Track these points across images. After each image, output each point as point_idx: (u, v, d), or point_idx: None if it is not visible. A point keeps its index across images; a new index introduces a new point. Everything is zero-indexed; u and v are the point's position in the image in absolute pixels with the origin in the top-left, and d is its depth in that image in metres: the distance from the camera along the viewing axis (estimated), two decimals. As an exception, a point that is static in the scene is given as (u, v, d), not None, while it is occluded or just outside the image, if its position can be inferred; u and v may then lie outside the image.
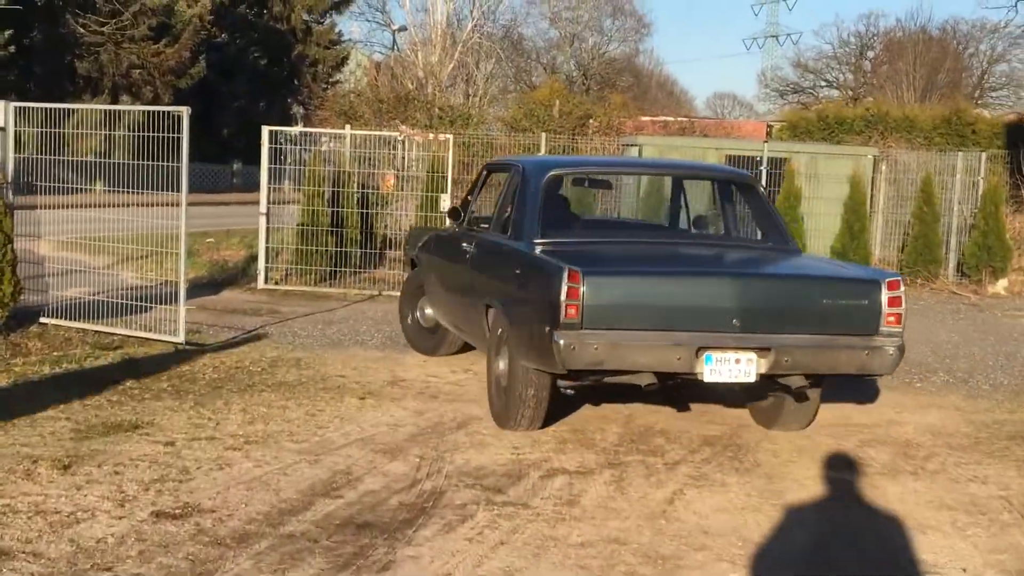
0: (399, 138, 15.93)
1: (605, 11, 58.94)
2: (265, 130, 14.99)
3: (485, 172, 10.24)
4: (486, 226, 9.22)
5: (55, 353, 9.57)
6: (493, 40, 47.28)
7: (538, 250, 7.78)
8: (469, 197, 9.92)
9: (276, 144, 15.23)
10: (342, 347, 10.81)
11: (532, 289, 7.40)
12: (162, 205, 10.69)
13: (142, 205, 10.80)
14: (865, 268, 11.19)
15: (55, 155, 11.11)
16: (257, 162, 15.17)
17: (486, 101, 36.00)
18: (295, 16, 48.46)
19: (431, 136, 16.09)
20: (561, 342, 6.76)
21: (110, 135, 11.82)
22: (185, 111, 9.94)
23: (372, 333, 11.70)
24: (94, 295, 11.03)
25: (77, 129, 12.59)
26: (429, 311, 10.32)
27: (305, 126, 46.65)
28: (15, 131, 10.94)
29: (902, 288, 7.32)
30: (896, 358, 7.19)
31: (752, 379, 7.03)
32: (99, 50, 37.31)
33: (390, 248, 16.14)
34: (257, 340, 10.89)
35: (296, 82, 49.50)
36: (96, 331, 10.53)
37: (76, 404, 7.80)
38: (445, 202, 14.84)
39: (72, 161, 11.32)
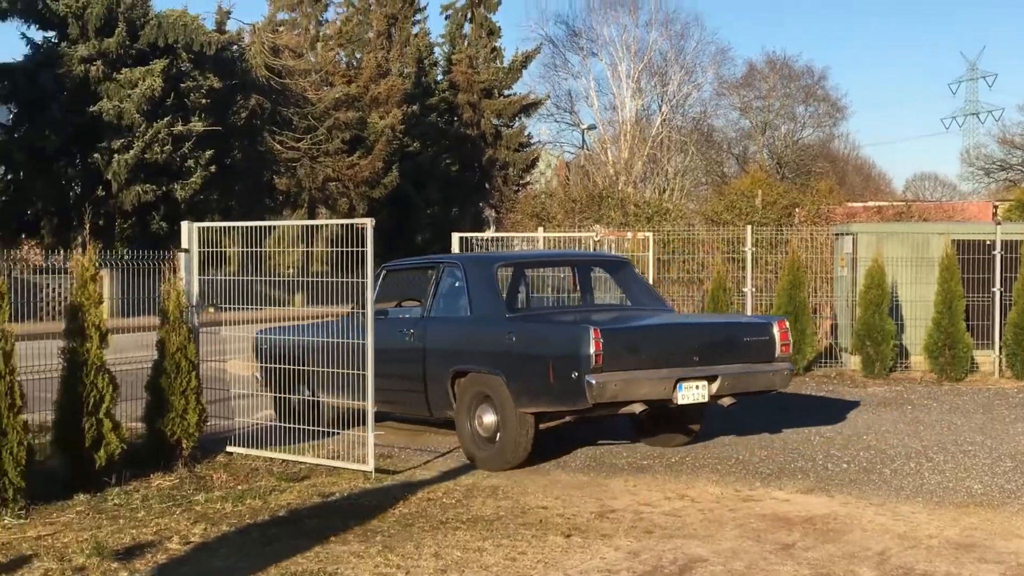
0: (595, 238, 15.12)
1: (797, 98, 57.58)
2: (455, 237, 14.44)
3: (384, 272, 11.25)
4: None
5: (239, 487, 8.96)
6: (683, 133, 46.55)
7: (523, 320, 10.19)
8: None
9: (468, 250, 14.64)
10: (543, 471, 9.89)
11: (552, 346, 9.43)
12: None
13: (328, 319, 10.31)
14: (762, 315, 13.61)
15: (245, 275, 10.73)
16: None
17: (680, 195, 35.09)
18: (485, 122, 48.80)
19: (629, 235, 15.23)
20: (593, 382, 8.95)
21: (307, 251, 11.55)
22: (369, 223, 9.33)
23: (574, 453, 10.75)
24: (279, 421, 10.48)
25: (275, 247, 12.28)
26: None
27: (497, 229, 46.74)
28: (203, 252, 10.58)
29: (787, 326, 10.29)
30: (788, 377, 10.25)
31: (705, 399, 9.65)
32: (296, 165, 38.11)
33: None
34: (451, 464, 10.09)
35: (487, 186, 49.70)
36: (283, 459, 9.94)
37: (256, 550, 7.10)
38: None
39: (250, 280, 10.86)
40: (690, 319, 11.68)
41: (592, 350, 8.94)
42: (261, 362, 11.36)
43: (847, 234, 17.23)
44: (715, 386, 9.60)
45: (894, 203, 31.93)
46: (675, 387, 9.36)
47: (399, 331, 10.78)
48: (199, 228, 10.56)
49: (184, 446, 9.56)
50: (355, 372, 9.50)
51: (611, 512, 8.32)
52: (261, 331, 11.68)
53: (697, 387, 9.51)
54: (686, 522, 8.00)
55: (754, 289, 16.88)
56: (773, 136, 56.52)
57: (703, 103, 53.19)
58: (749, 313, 16.53)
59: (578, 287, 12.24)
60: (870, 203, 32.25)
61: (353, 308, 10.20)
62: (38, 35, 32.45)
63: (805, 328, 16.16)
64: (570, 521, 8.01)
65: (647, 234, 14.69)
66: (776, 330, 10.11)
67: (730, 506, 8.49)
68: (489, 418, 9.87)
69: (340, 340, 9.70)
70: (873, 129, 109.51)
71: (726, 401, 9.94)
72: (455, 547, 7.23)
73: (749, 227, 17.07)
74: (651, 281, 14.39)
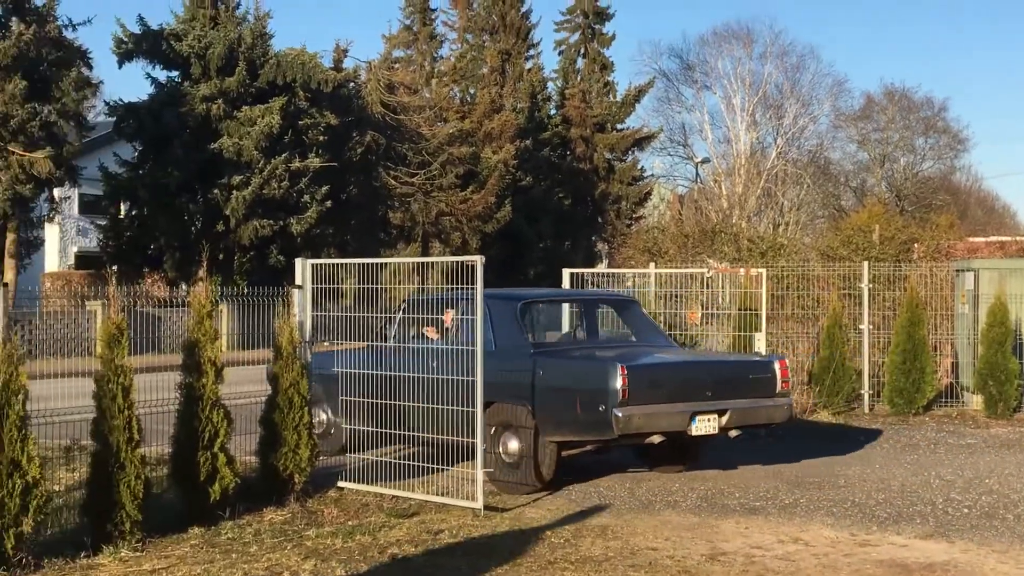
0: (707, 275, 14.96)
1: (917, 129, 56.60)
2: (566, 273, 14.40)
3: (406, 305, 11.63)
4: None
5: (349, 523, 9.03)
6: (799, 166, 45.97)
7: (547, 356, 10.80)
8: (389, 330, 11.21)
9: (578, 286, 14.59)
10: (652, 510, 9.77)
11: (581, 381, 10.14)
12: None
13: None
14: (765, 355, 13.28)
15: (360, 310, 10.81)
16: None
17: (796, 229, 34.59)
18: (598, 156, 48.79)
19: (742, 271, 15.03)
20: (620, 415, 9.64)
21: (421, 287, 11.58)
22: (479, 260, 9.35)
23: (685, 492, 10.60)
24: (390, 456, 10.53)
25: (388, 283, 12.39)
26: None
27: (609, 263, 46.62)
28: (318, 287, 10.70)
29: (787, 364, 11.18)
30: (788, 411, 11.00)
31: (716, 431, 10.36)
32: (410, 200, 38.52)
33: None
34: (560, 502, 10.03)
35: (600, 220, 49.61)
36: (393, 495, 9.98)
37: (363, 587, 7.13)
38: (760, 342, 13.73)
39: (364, 316, 10.94)
40: (704, 357, 12.30)
41: (619, 385, 9.69)
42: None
43: (968, 270, 16.78)
44: (724, 419, 10.37)
45: (1018, 238, 30.98)
46: (691, 420, 10.17)
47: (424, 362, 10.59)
48: (312, 264, 10.70)
49: (296, 481, 9.67)
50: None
51: (722, 555, 8.18)
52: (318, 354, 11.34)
53: (709, 420, 10.28)
54: (800, 567, 7.81)
55: (871, 326, 16.51)
56: (892, 168, 55.60)
57: (819, 135, 52.57)
58: (866, 352, 16.20)
59: (584, 323, 12.83)
60: (992, 238, 31.37)
61: (371, 341, 10.64)
62: (162, 75, 33.43)
63: (925, 366, 15.75)
64: (680, 563, 7.89)
65: (761, 270, 14.47)
66: (777, 368, 10.94)
67: (845, 551, 8.28)
68: (514, 445, 10.45)
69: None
70: (996, 161, 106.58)
71: (732, 433, 10.61)
72: (563, 588, 7.17)
73: (866, 263, 16.72)
74: (764, 318, 14.16)
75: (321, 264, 10.84)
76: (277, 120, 31.21)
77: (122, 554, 7.73)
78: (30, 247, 32.35)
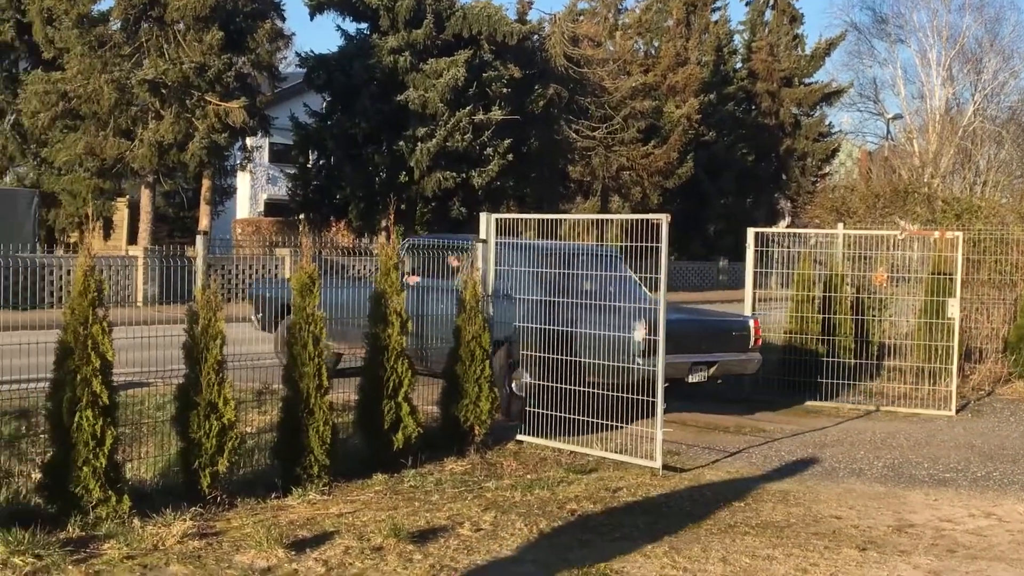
0: (899, 237, 14.45)
1: None
2: (751, 232, 14.10)
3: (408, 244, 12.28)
4: None
5: (528, 476, 9.09)
6: (998, 124, 44.00)
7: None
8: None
9: (761, 247, 14.29)
10: (836, 477, 9.55)
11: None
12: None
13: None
14: (743, 314, 13.72)
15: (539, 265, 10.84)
16: (743, 259, 14.32)
17: (993, 190, 33.14)
18: (784, 111, 47.70)
19: (936, 233, 14.47)
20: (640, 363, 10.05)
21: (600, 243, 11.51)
22: (664, 218, 9.22)
23: (871, 460, 10.33)
24: (566, 413, 10.53)
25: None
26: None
27: (792, 221, 45.61)
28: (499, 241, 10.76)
29: (759, 323, 12.56)
30: (757, 364, 12.37)
31: (705, 380, 11.47)
32: (591, 154, 38.39)
33: (888, 357, 14.66)
34: (740, 465, 9.90)
35: (784, 177, 48.59)
36: (571, 451, 10.01)
37: (543, 542, 7.16)
38: (953, 307, 13.23)
39: (544, 272, 10.96)
40: (701, 316, 13.27)
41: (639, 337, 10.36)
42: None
43: None
44: (712, 370, 11.54)
45: None
46: (689, 370, 11.21)
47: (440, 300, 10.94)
48: (496, 219, 10.75)
49: (476, 432, 9.79)
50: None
51: (909, 527, 7.94)
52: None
53: (701, 370, 11.41)
54: (992, 543, 7.52)
55: (1073, 294, 15.71)
56: (1099, 127, 52.55)
57: (1021, 91, 50.12)
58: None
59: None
60: None
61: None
62: (351, 27, 34.05)
63: None
64: (865, 534, 7.69)
65: (956, 233, 13.89)
66: (751, 326, 12.28)
67: (1042, 529, 7.93)
68: (526, 379, 10.93)
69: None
70: None
71: (718, 381, 11.93)
72: (743, 553, 7.07)
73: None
74: (959, 283, 13.62)
75: (504, 219, 10.90)
76: (462, 73, 31.43)
77: (310, 496, 7.95)
78: (223, 194, 33.58)
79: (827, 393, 13.79)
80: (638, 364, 10.03)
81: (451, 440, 9.72)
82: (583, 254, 12.42)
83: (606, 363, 9.97)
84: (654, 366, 9.42)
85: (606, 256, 12.73)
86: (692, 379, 11.36)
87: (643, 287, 12.13)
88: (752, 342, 12.21)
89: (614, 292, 11.54)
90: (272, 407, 9.75)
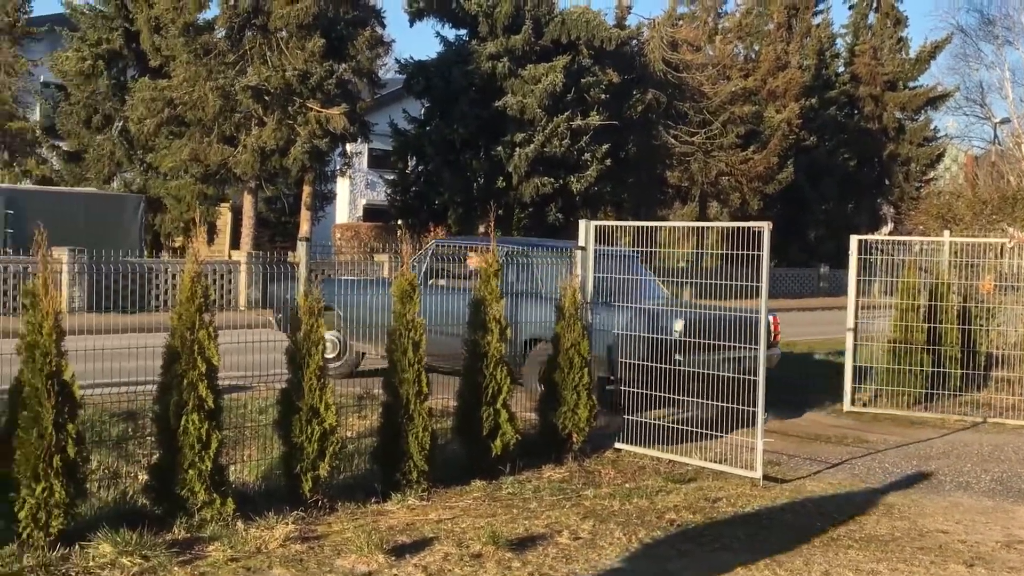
0: (1008, 245, 14.11)
1: None
2: (854, 239, 13.86)
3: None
4: None
5: (627, 485, 9.04)
6: (1111, 128, 42.74)
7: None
8: None
9: (864, 254, 14.04)
10: (942, 491, 9.34)
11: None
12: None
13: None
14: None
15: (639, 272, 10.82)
16: (844, 265, 14.09)
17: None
18: (887, 115, 46.90)
19: (1048, 242, 14.11)
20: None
21: (698, 251, 11.54)
22: (766, 227, 9.13)
23: (978, 473, 10.09)
24: (668, 420, 10.46)
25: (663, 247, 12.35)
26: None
27: (895, 228, 44.82)
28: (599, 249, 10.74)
29: (779, 320, 13.05)
30: (776, 359, 12.72)
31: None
32: (689, 159, 38.17)
33: (996, 367, 14.31)
34: (842, 476, 9.73)
35: (887, 182, 47.77)
36: (670, 459, 9.93)
37: (642, 552, 7.12)
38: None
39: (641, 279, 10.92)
40: (724, 311, 12.55)
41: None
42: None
43: None
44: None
45: None
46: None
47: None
48: (595, 226, 10.73)
49: (574, 440, 9.76)
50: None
51: (1019, 542, 7.73)
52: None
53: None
54: (1107, 563, 7.29)
55: None
56: None
57: None
58: None
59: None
60: None
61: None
62: (451, 33, 34.34)
63: None
64: (973, 549, 7.51)
65: (1069, 241, 13.53)
66: (771, 323, 12.49)
67: None
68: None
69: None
70: None
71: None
72: (847, 567, 6.95)
73: None
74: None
75: (603, 226, 10.88)
76: (560, 78, 31.47)
77: (409, 502, 8.00)
78: (323, 200, 33.99)
79: (932, 403, 13.50)
80: (677, 360, 10.08)
81: (549, 447, 9.71)
82: (610, 258, 12.04)
83: (645, 364, 10.14)
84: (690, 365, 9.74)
85: (628, 257, 12.56)
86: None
87: (661, 286, 12.89)
88: (772, 337, 12.47)
89: (640, 294, 11.73)
90: (372, 412, 9.83)
